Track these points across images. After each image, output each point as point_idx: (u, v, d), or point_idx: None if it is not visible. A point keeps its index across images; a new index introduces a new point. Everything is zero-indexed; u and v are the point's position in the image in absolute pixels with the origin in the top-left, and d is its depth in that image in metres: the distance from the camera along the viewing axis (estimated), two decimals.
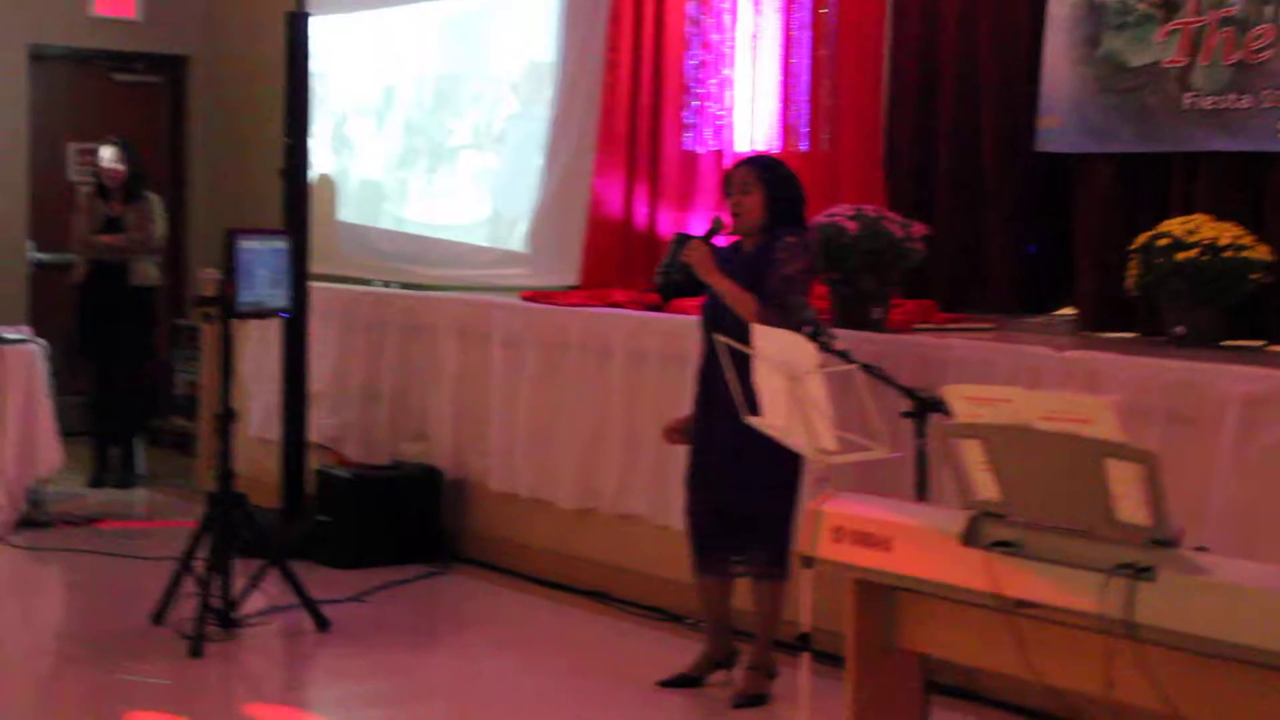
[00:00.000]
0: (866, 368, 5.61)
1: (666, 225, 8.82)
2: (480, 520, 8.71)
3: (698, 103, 8.81)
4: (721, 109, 8.72)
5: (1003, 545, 4.24)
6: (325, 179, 10.92)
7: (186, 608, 7.03)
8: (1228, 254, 6.40)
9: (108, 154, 10.52)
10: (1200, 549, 4.08)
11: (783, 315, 5.99)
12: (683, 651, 6.73)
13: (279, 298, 7.47)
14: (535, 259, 9.59)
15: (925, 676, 4.92)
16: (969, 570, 4.29)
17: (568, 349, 8.14)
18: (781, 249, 6.20)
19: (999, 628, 4.26)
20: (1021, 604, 4.21)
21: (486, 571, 8.47)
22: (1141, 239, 6.63)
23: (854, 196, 7.56)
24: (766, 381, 5.44)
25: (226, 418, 7.28)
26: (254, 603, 7.27)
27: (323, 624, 7.28)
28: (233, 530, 7.15)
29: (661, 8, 8.95)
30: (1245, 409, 5.62)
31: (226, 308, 7.27)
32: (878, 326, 6.97)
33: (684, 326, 7.26)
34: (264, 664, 7.10)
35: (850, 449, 5.30)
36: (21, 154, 12.24)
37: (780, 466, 6.08)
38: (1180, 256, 6.42)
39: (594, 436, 7.99)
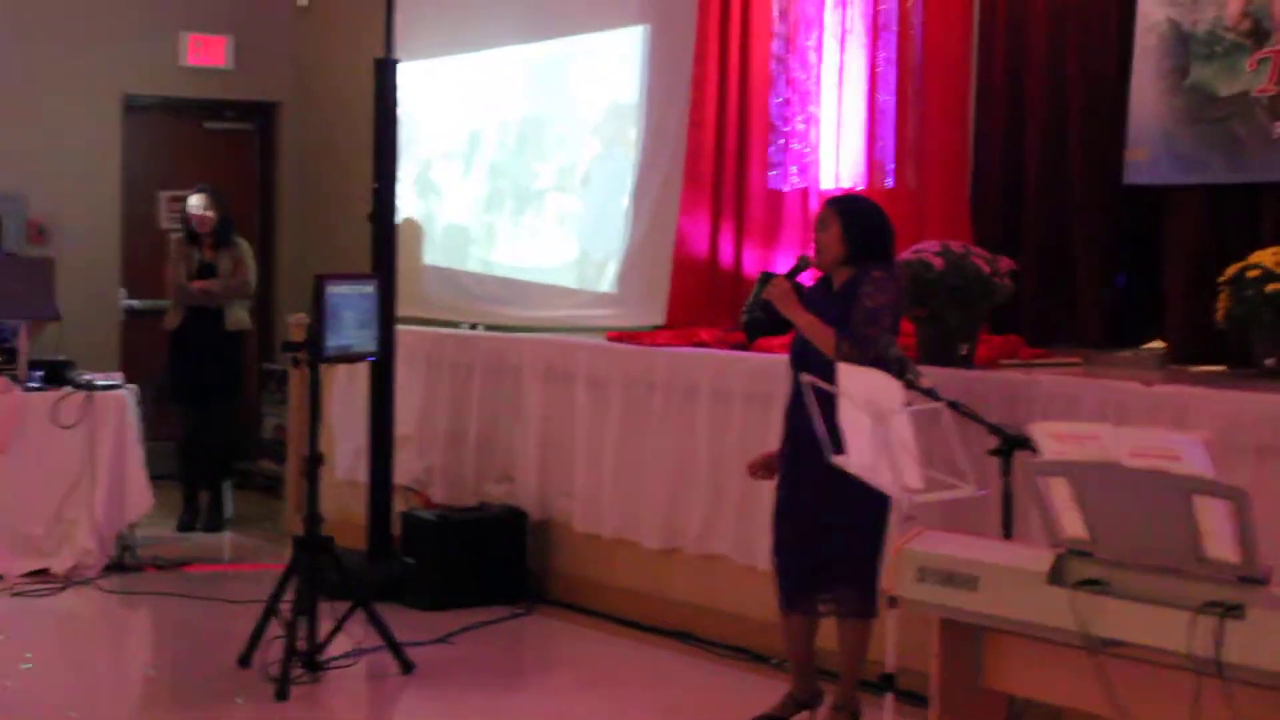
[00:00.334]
0: (953, 405, 5.55)
1: (752, 264, 8.80)
2: (565, 561, 8.69)
3: (783, 141, 8.79)
4: (806, 147, 8.69)
5: (1090, 584, 4.19)
6: (411, 223, 10.97)
7: (273, 651, 7.03)
8: None
9: (197, 201, 10.62)
10: None
11: (861, 349, 5.94)
12: (768, 692, 6.66)
13: (366, 342, 7.50)
14: (622, 299, 9.59)
15: (1012, 717, 4.85)
16: (1056, 609, 4.24)
17: (653, 389, 8.12)
18: (867, 282, 6.15)
19: (1086, 667, 4.20)
20: (1108, 643, 4.15)
21: (571, 613, 8.45)
22: (1231, 270, 6.55)
23: (940, 232, 7.50)
24: (852, 420, 5.39)
25: (314, 461, 7.30)
26: (339, 645, 7.27)
27: (407, 666, 7.27)
28: (319, 573, 7.16)
29: (746, 46, 8.94)
30: None
31: (314, 352, 7.29)
32: (964, 363, 6.91)
33: (769, 365, 7.23)
34: (349, 707, 7.09)
35: (936, 487, 5.25)
36: (115, 203, 12.38)
37: (868, 505, 6.00)
38: (1270, 288, 6.34)
39: (679, 477, 7.96)
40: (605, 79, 9.93)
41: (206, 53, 12.70)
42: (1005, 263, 7.01)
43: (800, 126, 8.73)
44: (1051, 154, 7.73)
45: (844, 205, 6.41)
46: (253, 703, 6.81)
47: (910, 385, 5.50)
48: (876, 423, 5.19)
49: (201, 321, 10.58)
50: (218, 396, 10.69)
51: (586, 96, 10.12)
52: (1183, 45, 7.14)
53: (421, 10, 10.62)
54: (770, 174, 8.84)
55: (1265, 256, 6.47)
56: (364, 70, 9.31)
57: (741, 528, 7.50)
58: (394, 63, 9.15)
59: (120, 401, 9.35)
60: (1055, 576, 4.27)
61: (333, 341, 7.28)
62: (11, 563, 9.03)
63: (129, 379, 9.68)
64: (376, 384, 8.92)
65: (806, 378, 5.63)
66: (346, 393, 9.90)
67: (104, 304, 12.20)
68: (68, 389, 9.22)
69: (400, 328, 9.13)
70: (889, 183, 8.30)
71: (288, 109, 13.07)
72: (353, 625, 7.30)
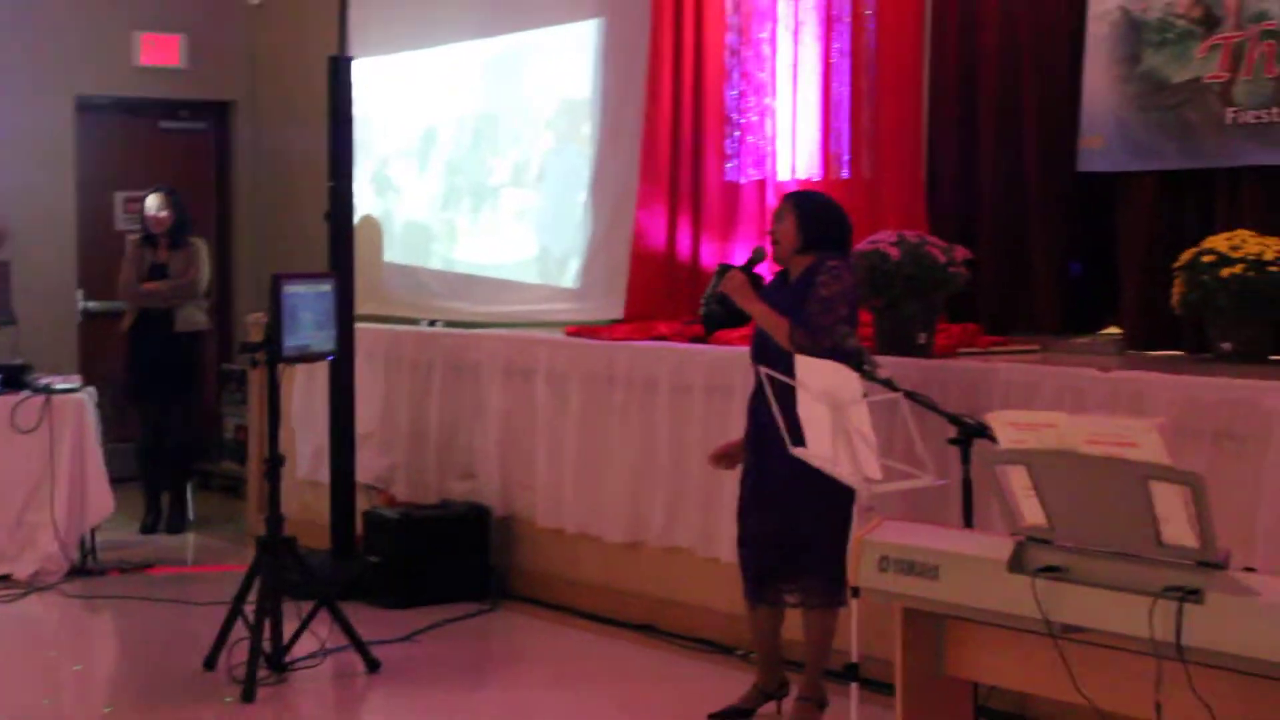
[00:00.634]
0: (911, 395, 5.58)
1: (710, 256, 8.81)
2: (529, 557, 8.70)
3: (738, 133, 8.80)
4: (762, 139, 8.71)
5: (1050, 570, 4.21)
6: (371, 221, 10.96)
7: (238, 652, 7.02)
8: (1273, 269, 6.37)
9: (153, 202, 10.59)
10: (1248, 569, 4.04)
11: (815, 338, 5.98)
12: (733, 683, 6.68)
13: (325, 341, 7.48)
14: (582, 294, 9.59)
15: (975, 703, 4.88)
16: (1017, 596, 4.26)
17: (613, 383, 8.13)
18: (822, 272, 6.16)
19: (1047, 653, 4.23)
20: (1069, 629, 4.18)
21: (536, 608, 8.46)
22: (1186, 256, 6.60)
23: (896, 223, 7.53)
24: (810, 411, 5.41)
25: (274, 462, 7.29)
26: (305, 645, 7.26)
27: (373, 665, 7.27)
28: (282, 574, 7.15)
29: (701, 39, 8.95)
30: None
31: (272, 352, 7.27)
32: (923, 352, 6.94)
33: (728, 358, 7.25)
34: (315, 707, 7.08)
35: (896, 477, 5.28)
36: (70, 204, 12.32)
37: (833, 495, 6.01)
38: (1225, 273, 6.38)
39: (640, 470, 7.97)
40: (559, 74, 9.92)
41: (160, 52, 12.65)
42: (961, 252, 7.04)
43: (755, 119, 8.74)
44: (1006, 142, 7.76)
45: (800, 198, 6.49)
46: (219, 704, 6.80)
47: (868, 376, 5.53)
48: (835, 414, 5.22)
49: (152, 323, 10.54)
50: (174, 398, 10.64)
51: (540, 91, 10.11)
52: (1134, 32, 7.18)
53: (375, 7, 10.61)
54: (727, 166, 8.85)
55: (1219, 242, 6.51)
56: (318, 68, 9.28)
57: (704, 520, 7.52)
58: (348, 60, 9.14)
59: (79, 404, 9.31)
60: (1015, 564, 4.29)
61: (291, 341, 7.25)
62: None
63: (87, 381, 9.67)
64: (336, 383, 8.91)
65: (763, 370, 5.66)
66: (306, 392, 9.88)
67: (61, 306, 12.14)
68: (26, 393, 9.18)
69: (360, 326, 9.13)
70: (845, 174, 8.32)
71: (243, 107, 13.04)
72: (318, 625, 7.29)
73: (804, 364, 5.45)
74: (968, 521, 5.53)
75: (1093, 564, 4.15)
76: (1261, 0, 6.74)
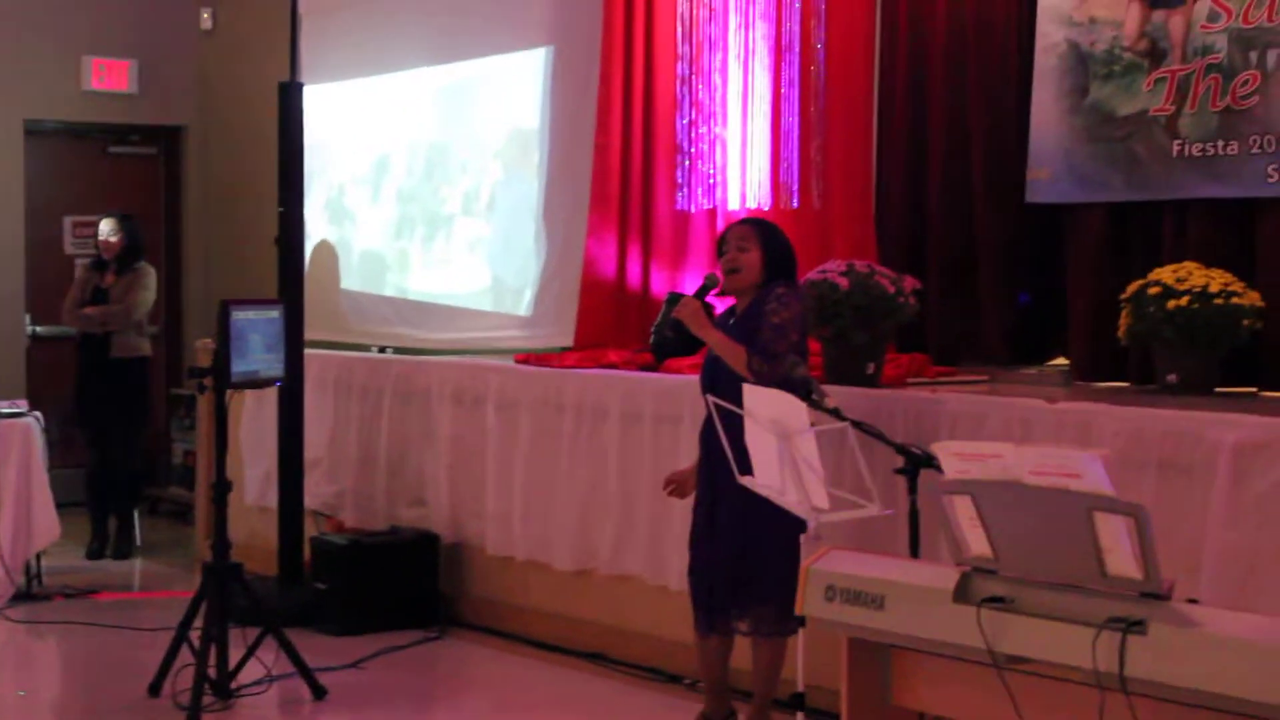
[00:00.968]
0: (858, 425, 5.60)
1: (660, 285, 8.81)
2: (478, 584, 8.68)
3: (689, 162, 8.81)
4: (712, 168, 8.72)
5: (995, 601, 4.22)
6: (327, 246, 10.92)
7: (183, 679, 6.99)
8: (1218, 301, 6.40)
9: (105, 226, 10.59)
10: (1191, 601, 4.06)
11: (772, 365, 5.98)
12: (681, 712, 6.69)
13: (274, 367, 7.46)
14: (532, 321, 9.58)
15: None
16: (962, 627, 4.26)
17: (562, 411, 8.12)
18: (772, 299, 6.17)
19: (993, 684, 4.23)
20: (1014, 659, 4.19)
21: (484, 635, 8.44)
22: (1132, 288, 6.64)
23: (845, 252, 7.56)
24: (758, 440, 5.42)
25: (222, 488, 7.26)
26: (251, 672, 7.23)
27: (319, 692, 7.24)
28: (228, 600, 7.12)
29: (651, 68, 8.96)
30: (1238, 457, 5.59)
31: (220, 378, 7.25)
32: (871, 382, 6.96)
33: (678, 386, 7.26)
34: None
35: (843, 507, 5.28)
36: (19, 228, 12.26)
37: (785, 525, 6.02)
38: (1171, 305, 6.42)
39: (589, 498, 7.96)
40: (508, 102, 9.91)
41: (109, 77, 12.62)
42: (910, 282, 7.06)
43: (706, 148, 8.76)
44: (954, 174, 7.80)
45: (765, 230, 6.44)
46: None
47: (815, 405, 5.54)
48: (782, 443, 5.23)
49: (92, 349, 10.51)
50: (119, 423, 10.59)
51: (490, 121, 10.10)
52: (1082, 65, 7.23)
53: (327, 34, 10.59)
54: (677, 195, 8.86)
55: (1165, 274, 6.56)
56: (269, 93, 9.28)
57: (653, 548, 7.52)
58: (299, 86, 9.13)
59: (26, 429, 9.26)
60: (960, 594, 4.30)
61: (239, 367, 7.23)
62: None
63: (34, 406, 9.61)
64: (285, 409, 8.89)
65: (711, 399, 5.66)
66: (255, 418, 9.85)
67: (8, 330, 12.10)
68: None
69: (309, 351, 9.11)
70: (794, 203, 8.34)
71: (193, 133, 13.00)
72: (264, 652, 7.26)
73: (752, 393, 5.46)
74: (914, 551, 5.55)
75: (1037, 595, 4.16)
76: (1207, 34, 6.80)
